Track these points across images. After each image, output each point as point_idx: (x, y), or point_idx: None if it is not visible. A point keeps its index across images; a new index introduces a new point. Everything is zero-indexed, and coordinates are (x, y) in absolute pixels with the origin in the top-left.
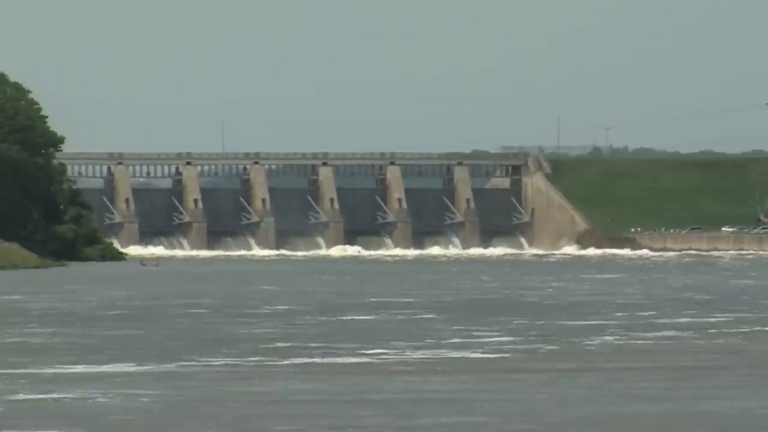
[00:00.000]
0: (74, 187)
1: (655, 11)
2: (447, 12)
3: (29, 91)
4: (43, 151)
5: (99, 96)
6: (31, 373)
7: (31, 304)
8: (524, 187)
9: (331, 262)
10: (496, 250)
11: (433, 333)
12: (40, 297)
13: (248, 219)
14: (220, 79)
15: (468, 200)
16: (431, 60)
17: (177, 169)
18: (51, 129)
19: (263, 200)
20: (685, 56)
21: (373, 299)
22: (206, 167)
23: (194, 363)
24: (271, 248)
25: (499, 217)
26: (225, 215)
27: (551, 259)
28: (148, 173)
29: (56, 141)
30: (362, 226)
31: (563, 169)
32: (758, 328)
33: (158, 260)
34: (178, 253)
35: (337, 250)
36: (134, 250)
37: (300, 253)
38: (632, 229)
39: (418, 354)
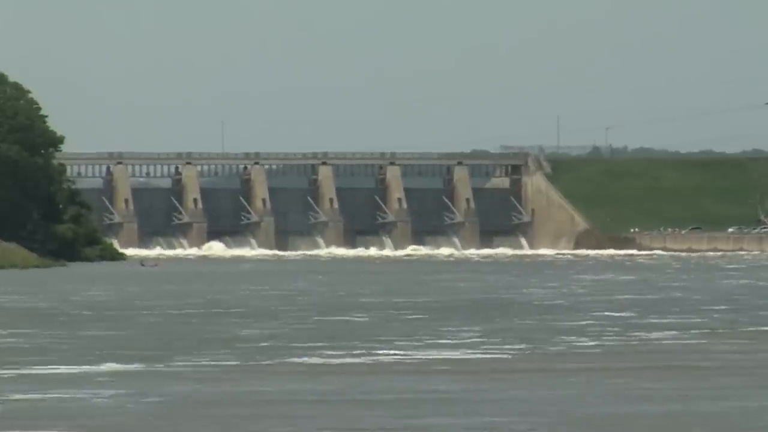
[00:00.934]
0: (74, 187)
1: (655, 11)
2: (447, 12)
3: (29, 91)
4: (42, 151)
5: (99, 96)
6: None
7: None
8: (524, 187)
9: (331, 262)
10: (495, 250)
11: (434, 333)
12: (35, 297)
13: (248, 219)
14: (220, 79)
15: (468, 200)
16: (431, 60)
17: (177, 168)
18: (50, 129)
19: (263, 200)
20: (684, 56)
21: (373, 299)
22: (206, 167)
23: (193, 363)
24: (271, 248)
25: (498, 217)
26: (225, 215)
27: (551, 259)
28: (147, 173)
29: (56, 141)
30: (362, 226)
31: (563, 169)
32: (758, 328)
33: (157, 260)
34: (178, 252)
35: (337, 250)
36: (134, 251)
37: (300, 253)
38: (632, 229)
39: (418, 354)
